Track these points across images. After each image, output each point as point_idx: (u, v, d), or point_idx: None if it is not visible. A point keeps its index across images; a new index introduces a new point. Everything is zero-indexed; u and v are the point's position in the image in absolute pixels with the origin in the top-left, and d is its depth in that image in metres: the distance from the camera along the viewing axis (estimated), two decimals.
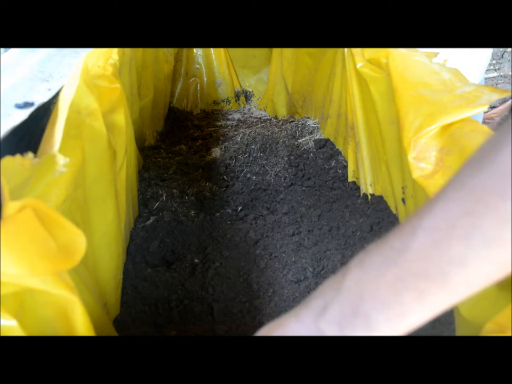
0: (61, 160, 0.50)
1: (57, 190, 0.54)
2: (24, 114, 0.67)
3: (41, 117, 0.74)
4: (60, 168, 0.50)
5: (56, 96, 0.77)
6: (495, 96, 0.74)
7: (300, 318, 0.46)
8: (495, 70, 2.03)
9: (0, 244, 0.39)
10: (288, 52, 1.79)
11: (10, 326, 0.41)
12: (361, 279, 0.41)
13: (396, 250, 0.39)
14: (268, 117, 1.98)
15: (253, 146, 1.58)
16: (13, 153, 0.48)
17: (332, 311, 0.43)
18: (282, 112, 1.90)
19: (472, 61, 1.14)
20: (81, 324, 0.47)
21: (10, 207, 0.40)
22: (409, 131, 0.79)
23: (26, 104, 0.70)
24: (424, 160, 0.77)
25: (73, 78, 0.67)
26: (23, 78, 0.81)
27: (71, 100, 0.63)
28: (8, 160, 0.45)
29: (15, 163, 0.45)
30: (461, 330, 0.79)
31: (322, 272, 1.04)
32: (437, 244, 0.36)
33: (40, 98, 0.74)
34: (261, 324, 0.92)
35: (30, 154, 0.47)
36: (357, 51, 1.24)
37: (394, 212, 1.15)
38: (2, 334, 0.41)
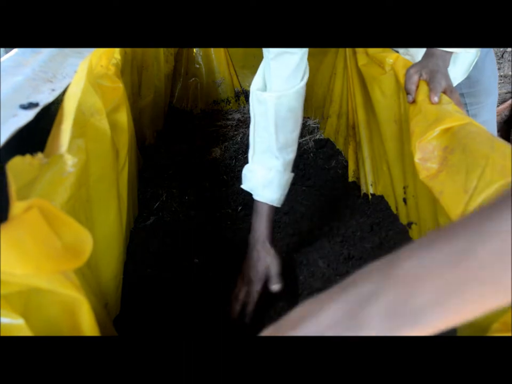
0: (70, 160, 0.50)
1: (62, 190, 0.54)
2: (29, 115, 0.67)
3: (41, 117, 0.74)
4: (68, 169, 0.50)
5: (59, 96, 0.77)
6: None
7: (329, 305, 0.42)
8: None
9: (6, 244, 0.39)
10: None
11: (17, 325, 0.42)
12: (416, 273, 0.38)
13: (459, 250, 0.36)
14: None
15: None
16: (14, 153, 0.48)
17: (380, 301, 0.40)
18: None
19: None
20: (86, 323, 0.47)
21: (17, 207, 0.41)
22: (418, 136, 0.80)
23: (31, 105, 0.70)
24: (430, 160, 0.78)
25: (79, 78, 0.67)
26: (26, 79, 0.81)
27: (77, 100, 0.63)
28: (16, 160, 0.45)
29: (24, 163, 0.45)
30: (462, 330, 0.79)
31: (322, 272, 1.04)
32: (505, 251, 0.34)
33: (44, 98, 0.74)
34: (261, 324, 0.92)
35: (39, 155, 0.47)
36: (359, 51, 1.24)
37: (395, 212, 1.16)
38: (9, 333, 0.41)
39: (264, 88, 1.00)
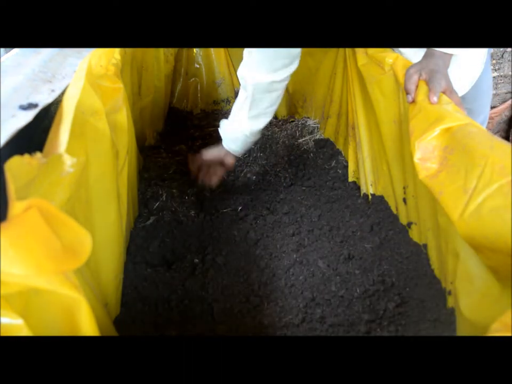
0: (68, 160, 0.50)
1: (61, 190, 0.54)
2: (28, 115, 0.67)
3: (42, 117, 0.74)
4: (67, 169, 0.50)
5: (59, 96, 0.77)
6: None
7: None
8: (495, 70, 2.03)
9: (6, 243, 0.39)
10: None
11: (16, 325, 0.42)
12: None
13: None
14: None
15: (253, 146, 1.58)
16: (14, 153, 0.48)
17: None
18: (282, 112, 1.91)
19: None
20: (86, 323, 0.47)
21: (16, 207, 0.41)
22: (417, 136, 0.80)
23: (31, 105, 0.70)
24: (429, 160, 0.78)
25: (78, 78, 0.67)
26: (25, 79, 0.81)
27: (76, 100, 0.63)
28: (15, 160, 0.45)
29: (23, 163, 0.45)
30: (462, 330, 0.79)
31: (322, 272, 1.04)
32: None
33: (43, 99, 0.74)
34: (261, 324, 0.92)
35: (38, 154, 0.47)
36: (358, 50, 1.24)
37: (395, 212, 1.16)
38: (9, 333, 0.41)
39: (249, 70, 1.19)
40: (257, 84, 1.17)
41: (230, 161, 1.30)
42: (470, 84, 1.19)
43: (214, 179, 1.33)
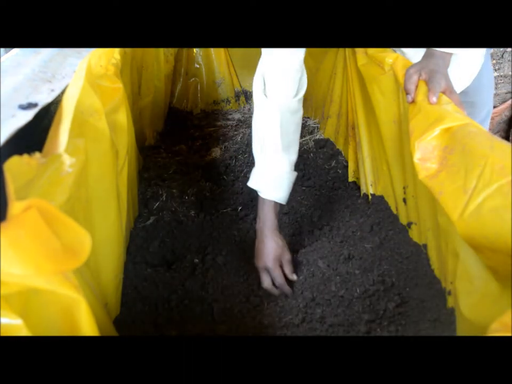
0: (68, 160, 0.50)
1: (61, 190, 0.54)
2: (28, 115, 0.67)
3: (41, 116, 0.74)
4: (66, 168, 0.50)
5: (58, 96, 0.77)
6: None
7: None
8: (495, 70, 2.03)
9: (5, 244, 0.39)
10: None
11: (15, 325, 0.42)
12: None
13: None
14: None
15: None
16: (14, 153, 0.48)
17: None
18: None
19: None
20: (85, 323, 0.47)
21: (16, 207, 0.41)
22: (417, 136, 0.80)
23: (30, 105, 0.70)
24: (429, 160, 0.78)
25: (77, 78, 0.67)
26: (25, 79, 0.81)
27: (76, 100, 0.63)
28: (14, 160, 0.45)
29: (22, 163, 0.45)
30: (462, 330, 0.79)
31: (322, 272, 1.04)
32: None
33: (43, 99, 0.74)
34: (261, 324, 0.92)
35: (37, 154, 0.47)
36: (358, 50, 1.24)
37: (394, 212, 1.16)
38: (8, 333, 0.41)
39: (265, 90, 1.05)
40: (284, 105, 1.03)
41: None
42: (471, 77, 1.19)
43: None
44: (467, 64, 1.17)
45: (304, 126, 1.72)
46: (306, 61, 1.07)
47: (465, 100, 0.97)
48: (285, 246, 1.05)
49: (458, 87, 0.91)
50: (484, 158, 0.66)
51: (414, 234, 1.05)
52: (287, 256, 1.04)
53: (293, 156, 1.08)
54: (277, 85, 1.03)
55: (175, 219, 1.22)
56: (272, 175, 1.06)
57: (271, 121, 1.04)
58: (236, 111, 2.01)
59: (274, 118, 1.03)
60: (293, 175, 1.09)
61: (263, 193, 1.06)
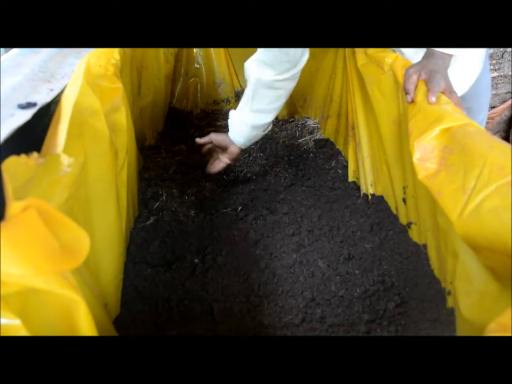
0: (66, 160, 0.50)
1: (60, 190, 0.54)
2: (27, 114, 0.67)
3: (41, 116, 0.74)
4: (64, 168, 0.50)
5: (58, 96, 0.77)
6: None
7: None
8: (495, 70, 2.03)
9: (3, 244, 0.39)
10: None
11: (14, 325, 0.42)
12: None
13: None
14: None
15: (253, 146, 1.58)
16: (13, 152, 0.48)
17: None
18: (282, 112, 1.91)
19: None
20: (84, 324, 0.47)
21: (14, 207, 0.41)
22: (416, 136, 0.80)
23: (29, 105, 0.70)
24: (428, 160, 0.78)
25: (76, 78, 0.67)
26: (25, 79, 0.81)
27: (74, 100, 0.63)
28: (12, 160, 0.45)
29: (20, 163, 0.45)
30: (462, 330, 0.79)
31: (322, 272, 1.04)
32: None
33: (42, 98, 0.74)
34: (261, 324, 0.92)
35: (35, 154, 0.47)
36: (358, 50, 1.24)
37: (394, 212, 1.16)
38: (6, 333, 0.41)
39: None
40: (259, 79, 1.20)
41: (235, 150, 1.33)
42: (469, 83, 1.19)
43: (219, 165, 1.36)
44: (466, 70, 1.17)
45: (304, 126, 1.72)
46: None
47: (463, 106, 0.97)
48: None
49: (457, 90, 0.91)
50: (483, 158, 0.66)
51: (413, 234, 1.05)
52: (234, 149, 1.33)
53: (263, 120, 1.27)
54: (263, 63, 1.17)
55: (175, 219, 1.22)
56: (235, 120, 1.29)
57: (249, 82, 1.24)
58: None
59: (251, 82, 1.22)
60: (256, 130, 1.29)
61: (229, 132, 1.32)
